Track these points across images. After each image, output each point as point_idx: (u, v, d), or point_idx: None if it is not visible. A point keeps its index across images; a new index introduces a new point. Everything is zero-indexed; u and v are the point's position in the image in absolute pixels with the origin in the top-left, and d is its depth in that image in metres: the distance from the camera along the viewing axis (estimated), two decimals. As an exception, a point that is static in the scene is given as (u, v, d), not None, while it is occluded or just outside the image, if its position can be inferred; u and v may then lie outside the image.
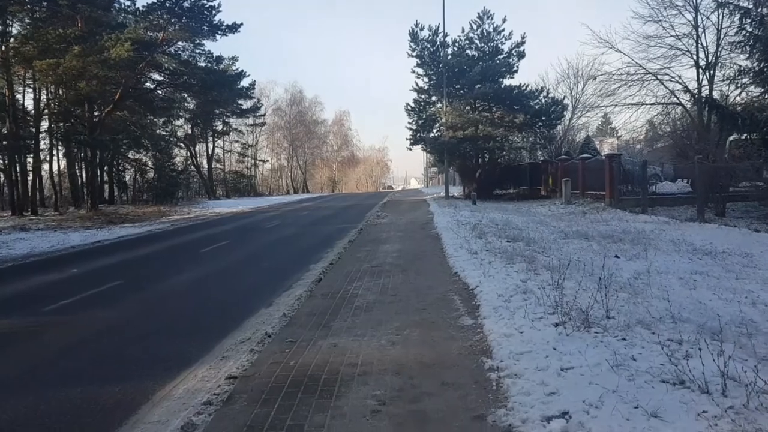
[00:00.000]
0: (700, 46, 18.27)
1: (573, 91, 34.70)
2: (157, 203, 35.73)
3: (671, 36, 18.42)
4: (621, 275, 7.69)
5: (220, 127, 56.88)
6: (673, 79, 19.40)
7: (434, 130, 29.27)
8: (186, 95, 29.17)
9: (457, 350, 4.32)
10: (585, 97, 34.45)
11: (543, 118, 27.10)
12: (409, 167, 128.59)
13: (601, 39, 20.66)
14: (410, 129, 29.27)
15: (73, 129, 24.89)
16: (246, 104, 57.93)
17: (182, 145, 54.35)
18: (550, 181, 27.39)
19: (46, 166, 36.62)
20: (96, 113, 26.02)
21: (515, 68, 27.92)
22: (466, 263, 7.89)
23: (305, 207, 29.00)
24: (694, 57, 18.37)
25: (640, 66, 19.28)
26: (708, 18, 17.94)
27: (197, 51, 25.69)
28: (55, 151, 35.19)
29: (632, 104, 20.78)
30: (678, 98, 19.87)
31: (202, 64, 25.49)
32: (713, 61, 18.19)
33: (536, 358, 3.79)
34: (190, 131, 54.20)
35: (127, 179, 40.38)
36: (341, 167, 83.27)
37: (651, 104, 20.66)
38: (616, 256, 9.48)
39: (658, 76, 19.30)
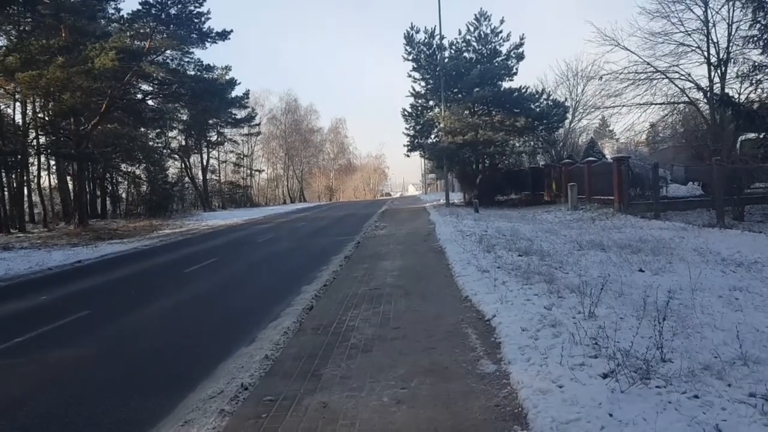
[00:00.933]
0: (710, 41, 17.45)
1: (572, 93, 33.97)
2: (150, 217, 34.87)
3: (680, 32, 17.65)
4: (653, 294, 6.78)
5: (214, 138, 56.07)
6: (682, 77, 18.59)
7: (432, 136, 28.43)
8: (176, 105, 28.23)
9: (479, 412, 3.38)
10: (585, 99, 33.77)
11: (544, 121, 26.29)
12: (406, 174, 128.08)
13: (606, 36, 19.84)
14: (408, 135, 28.44)
15: (57, 142, 23.93)
16: (240, 114, 57.14)
17: (176, 156, 53.55)
18: (553, 186, 26.52)
19: (41, 181, 36.09)
20: (83, 126, 25.14)
21: (514, 70, 27.16)
22: (477, 284, 6.95)
23: (301, 217, 28.07)
24: (705, 53, 17.55)
25: (648, 64, 18.46)
26: (718, 12, 17.15)
27: (186, 59, 24.81)
28: (45, 166, 34.53)
29: (640, 104, 19.94)
30: (689, 97, 19.02)
31: (192, 73, 24.60)
32: (725, 57, 17.36)
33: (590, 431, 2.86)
34: (184, 142, 53.39)
35: (119, 192, 39.51)
36: (338, 175, 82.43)
37: (660, 104, 19.82)
38: (641, 270, 8.57)
39: (668, 75, 18.46)
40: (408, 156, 29.47)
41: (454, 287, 7.16)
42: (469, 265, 8.54)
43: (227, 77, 27.09)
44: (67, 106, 22.39)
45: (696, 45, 17.48)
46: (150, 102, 30.26)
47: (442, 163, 27.70)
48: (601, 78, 19.60)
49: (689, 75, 18.44)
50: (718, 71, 17.44)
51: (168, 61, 24.81)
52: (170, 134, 52.26)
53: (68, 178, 30.22)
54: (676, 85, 18.63)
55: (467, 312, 5.83)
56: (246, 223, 26.71)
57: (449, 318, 5.63)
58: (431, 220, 18.75)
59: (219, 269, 11.23)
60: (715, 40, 17.27)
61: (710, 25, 17.11)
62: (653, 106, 19.73)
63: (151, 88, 25.79)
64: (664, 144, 45.63)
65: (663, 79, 18.52)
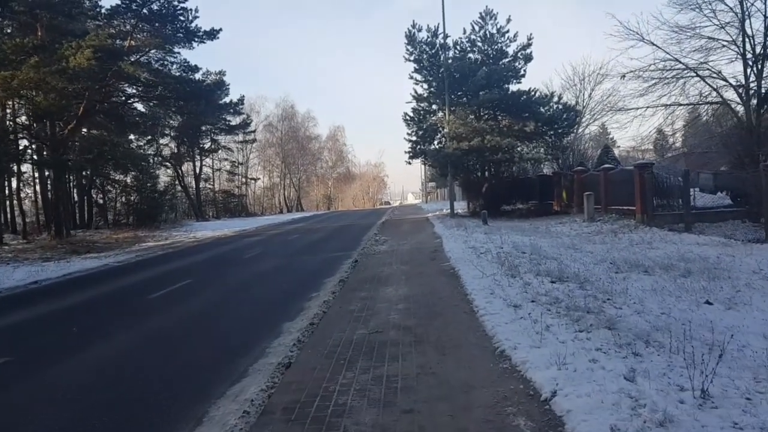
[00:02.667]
0: (746, 35, 15.78)
1: (579, 98, 32.40)
2: (138, 227, 33.14)
3: (711, 25, 16.00)
4: (742, 340, 5.05)
5: (207, 145, 54.32)
6: (713, 75, 16.90)
7: (435, 142, 26.73)
8: (159, 110, 26.46)
9: None
10: (593, 104, 32.22)
11: (554, 126, 24.64)
12: (406, 182, 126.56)
13: (629, 30, 18.09)
14: (409, 140, 26.72)
15: (27, 148, 22.20)
16: (234, 120, 55.46)
17: (168, 164, 51.84)
18: (563, 196, 24.84)
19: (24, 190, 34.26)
20: (60, 131, 23.41)
21: (522, 72, 25.51)
22: (511, 329, 5.19)
23: (296, 229, 26.30)
24: (740, 48, 15.86)
25: (677, 60, 16.77)
26: (753, 4, 15.51)
27: (170, 59, 23.05)
28: (29, 174, 32.74)
29: (667, 105, 18.21)
30: (722, 96, 17.33)
31: (177, 74, 22.83)
32: (761, 52, 15.69)
33: None
34: (176, 149, 51.68)
35: (104, 202, 37.68)
36: (337, 184, 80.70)
37: (689, 104, 18.11)
38: (708, 302, 6.87)
39: (699, 72, 16.78)
40: (409, 163, 27.86)
41: (481, 332, 5.38)
42: (493, 296, 6.79)
43: (215, 79, 25.35)
44: (42, 108, 20.69)
45: (730, 39, 15.85)
46: (139, 107, 28.68)
47: (446, 170, 25.97)
48: (623, 77, 17.92)
49: (719, 73, 16.83)
50: (755, 68, 15.80)
51: (151, 61, 23.07)
52: (162, 141, 50.74)
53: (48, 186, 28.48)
54: (708, 84, 16.96)
55: (509, 380, 4.05)
56: (236, 234, 24.94)
57: (485, 393, 3.85)
58: (436, 233, 16.99)
59: (189, 295, 9.45)
60: (750, 34, 15.67)
61: (745, 16, 15.48)
62: (678, 107, 18.06)
63: (135, 91, 24.05)
64: (674, 150, 44.17)
65: (692, 77, 16.86)
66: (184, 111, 24.74)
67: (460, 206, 29.36)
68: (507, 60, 25.50)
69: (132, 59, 22.13)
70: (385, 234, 18.74)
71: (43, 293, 10.95)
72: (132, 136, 37.79)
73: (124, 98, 23.99)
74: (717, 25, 15.87)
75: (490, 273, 8.36)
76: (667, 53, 17.32)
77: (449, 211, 26.88)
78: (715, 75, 16.82)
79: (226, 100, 53.69)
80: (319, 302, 7.79)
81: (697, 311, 6.42)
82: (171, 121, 45.85)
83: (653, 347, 4.54)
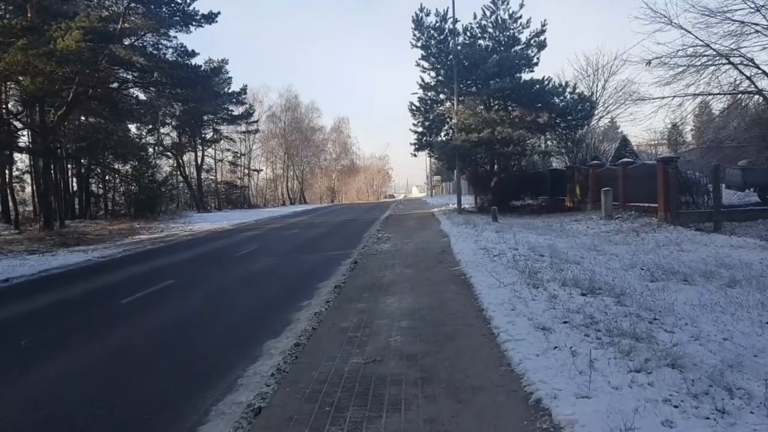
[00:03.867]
0: (782, 19, 14.47)
1: (593, 89, 31.01)
2: (135, 218, 32.25)
3: (745, 8, 14.68)
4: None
5: (209, 135, 53.22)
6: (745, 62, 15.57)
7: (442, 133, 25.51)
8: (156, 96, 25.28)
9: None
10: (605, 97, 30.82)
11: (569, 117, 23.37)
12: (410, 175, 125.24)
13: (657, 12, 16.73)
14: (415, 132, 25.49)
15: (11, 134, 21.16)
16: (237, 110, 54.35)
17: (170, 154, 50.86)
18: (577, 191, 23.61)
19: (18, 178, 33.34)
20: (51, 118, 22.37)
21: (535, 60, 24.20)
22: (545, 365, 4.06)
23: (296, 223, 25.23)
24: (776, 32, 14.55)
25: (708, 46, 15.45)
26: (791, -15, 14.20)
27: (164, 42, 21.81)
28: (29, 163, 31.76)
29: (695, 94, 16.87)
30: (756, 85, 16.00)
31: (171, 59, 21.64)
32: (800, 37, 14.42)
33: None
34: (177, 139, 50.65)
35: (104, 191, 36.72)
36: (341, 176, 79.49)
37: (720, 94, 16.76)
38: (772, 323, 5.74)
39: (731, 59, 15.46)
40: (415, 156, 26.50)
41: (506, 367, 4.26)
42: (515, 313, 5.66)
43: (214, 65, 24.13)
44: (29, 92, 19.64)
45: (766, 23, 14.51)
46: (139, 95, 27.53)
47: (454, 163, 24.75)
48: (649, 63, 16.57)
49: (752, 60, 15.51)
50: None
51: (147, 45, 21.89)
52: (163, 131, 49.66)
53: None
54: (741, 72, 15.63)
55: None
56: (233, 228, 23.89)
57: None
58: (443, 230, 15.86)
59: (165, 302, 8.38)
60: (788, 18, 14.34)
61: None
62: (708, 96, 16.72)
63: (130, 77, 22.93)
64: (687, 145, 42.67)
65: (724, 64, 15.53)
66: (180, 98, 23.58)
67: (467, 201, 28.18)
68: (519, 47, 24.20)
69: (126, 43, 21.01)
70: (389, 230, 17.64)
71: (10, 294, 9.92)
72: (133, 126, 36.85)
73: (117, 84, 22.83)
74: (752, 8, 14.57)
75: (508, 281, 7.23)
76: (697, 38, 16.02)
77: (456, 206, 25.72)
78: (748, 62, 15.53)
79: (228, 90, 53.22)
80: (309, 314, 6.70)
81: (763, 335, 5.30)
82: (171, 110, 44.89)
83: (739, 398, 3.42)
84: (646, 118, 44.70)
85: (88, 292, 9.69)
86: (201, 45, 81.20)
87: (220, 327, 6.61)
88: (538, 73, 26.96)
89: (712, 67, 15.77)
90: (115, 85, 23.08)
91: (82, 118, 28.94)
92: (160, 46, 21.72)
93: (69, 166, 33.20)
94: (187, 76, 21.43)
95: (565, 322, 5.25)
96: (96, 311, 7.92)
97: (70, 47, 18.22)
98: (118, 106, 23.94)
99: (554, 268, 8.33)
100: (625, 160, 19.35)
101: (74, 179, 34.54)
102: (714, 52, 15.41)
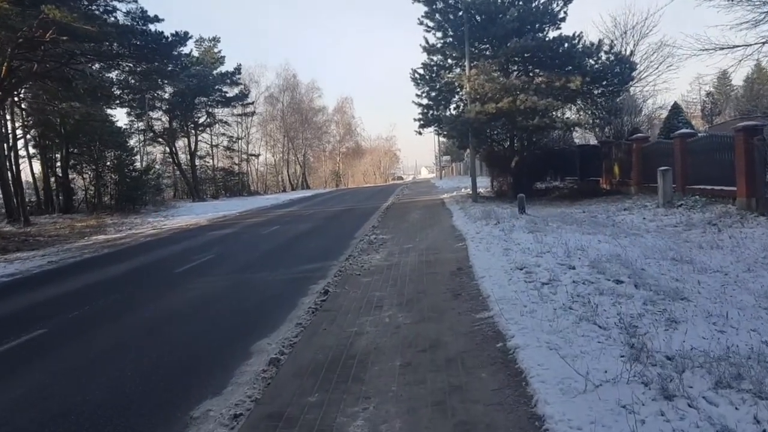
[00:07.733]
0: None
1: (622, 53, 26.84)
2: (115, 210, 29.09)
3: None
4: None
5: (203, 119, 49.53)
6: None
7: (452, 106, 21.61)
8: (112, 70, 21.50)
9: None
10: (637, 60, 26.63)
11: (604, 82, 19.37)
12: (419, 155, 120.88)
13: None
14: (419, 104, 21.56)
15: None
16: (231, 92, 50.56)
17: (161, 141, 47.49)
18: (615, 171, 19.69)
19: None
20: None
21: (561, 15, 20.11)
22: None
23: (283, 215, 21.69)
24: None
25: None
26: None
27: (118, 5, 17.88)
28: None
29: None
30: None
31: (122, 22, 17.74)
32: None
33: None
34: (168, 124, 47.13)
35: (84, 183, 33.32)
36: (346, 159, 75.55)
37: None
38: None
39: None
40: (420, 133, 22.64)
41: None
42: None
43: (180, 36, 20.12)
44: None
45: None
46: (113, 72, 23.85)
47: (466, 141, 20.88)
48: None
49: None
50: None
51: (95, 7, 18.12)
52: (153, 115, 46.10)
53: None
54: None
55: None
56: (208, 224, 20.42)
57: None
58: (457, 227, 12.17)
59: (48, 352, 4.84)
60: None
61: None
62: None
63: (79, 50, 19.23)
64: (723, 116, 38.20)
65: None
66: (137, 71, 19.76)
67: (482, 184, 24.30)
68: (542, 0, 20.08)
69: (67, 5, 17.30)
70: (386, 228, 13.99)
71: None
72: (123, 111, 33.27)
73: (66, 57, 19.20)
74: None
75: (599, 375, 3.55)
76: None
77: (469, 191, 21.95)
78: None
79: (221, 70, 49.34)
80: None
81: None
82: (161, 93, 41.26)
83: None
84: (668, 89, 39.88)
85: None
86: (191, 23, 77.02)
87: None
88: (565, 31, 22.81)
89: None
90: (64, 58, 19.41)
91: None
92: (110, 8, 17.93)
93: (54, 156, 29.98)
94: (145, 44, 17.68)
95: None
96: None
97: (-13, 8, 14.67)
98: (72, 83, 20.34)
99: (662, 319, 4.64)
100: (684, 131, 15.37)
101: (50, 171, 31.23)
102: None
